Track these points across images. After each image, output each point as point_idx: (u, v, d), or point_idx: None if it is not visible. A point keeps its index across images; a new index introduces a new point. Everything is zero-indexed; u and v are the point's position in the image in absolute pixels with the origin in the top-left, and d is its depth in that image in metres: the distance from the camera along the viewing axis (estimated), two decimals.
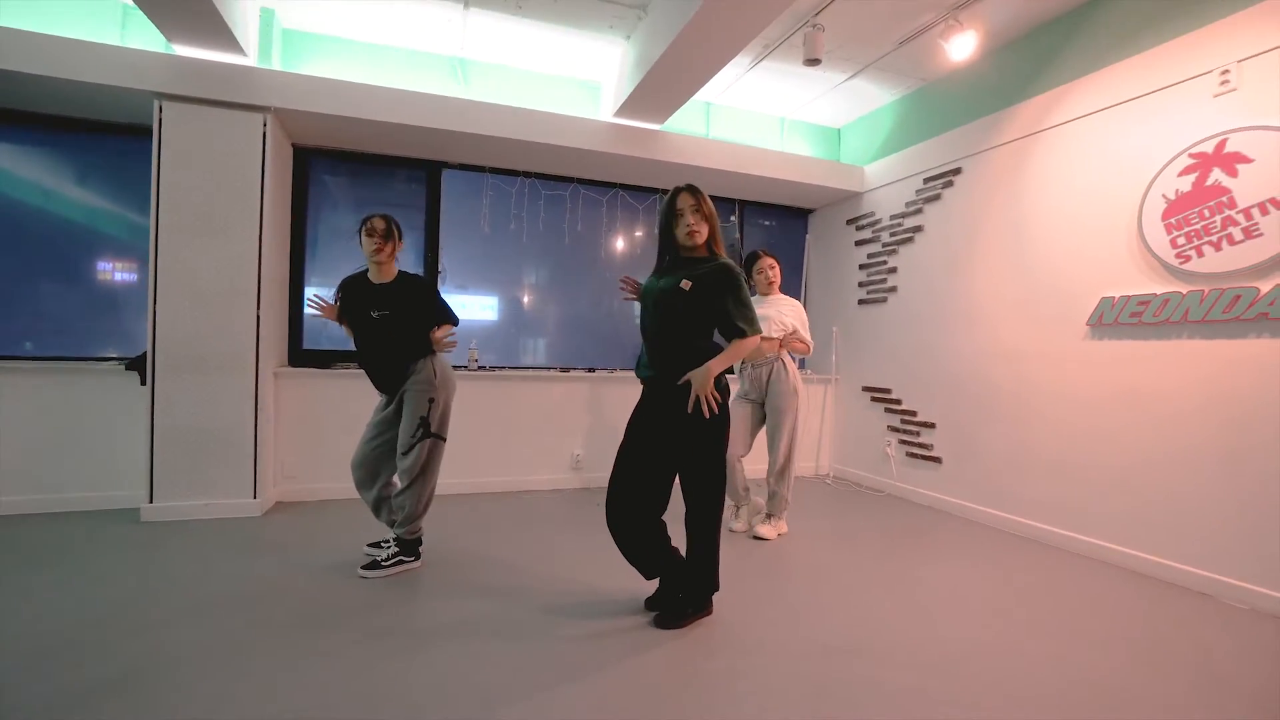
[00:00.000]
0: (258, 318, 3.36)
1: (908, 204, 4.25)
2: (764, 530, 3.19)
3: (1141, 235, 2.81)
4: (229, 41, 3.12)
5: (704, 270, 2.07)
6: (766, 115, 4.72)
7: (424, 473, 2.57)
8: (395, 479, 2.70)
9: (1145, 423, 2.82)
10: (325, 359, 3.89)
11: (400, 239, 2.63)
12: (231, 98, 3.26)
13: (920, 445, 4.06)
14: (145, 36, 3.29)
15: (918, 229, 4.17)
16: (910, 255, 4.24)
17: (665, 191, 4.74)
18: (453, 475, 3.97)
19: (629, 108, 3.77)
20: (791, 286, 5.20)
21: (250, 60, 3.32)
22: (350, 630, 2.06)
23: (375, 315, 2.55)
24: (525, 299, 4.52)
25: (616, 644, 2.01)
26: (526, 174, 4.35)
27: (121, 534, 2.99)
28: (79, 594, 2.27)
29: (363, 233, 2.56)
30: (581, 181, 4.50)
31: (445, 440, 2.63)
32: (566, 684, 1.78)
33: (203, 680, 1.74)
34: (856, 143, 4.82)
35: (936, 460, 3.93)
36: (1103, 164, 3.04)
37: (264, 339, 3.41)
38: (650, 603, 2.27)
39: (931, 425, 3.99)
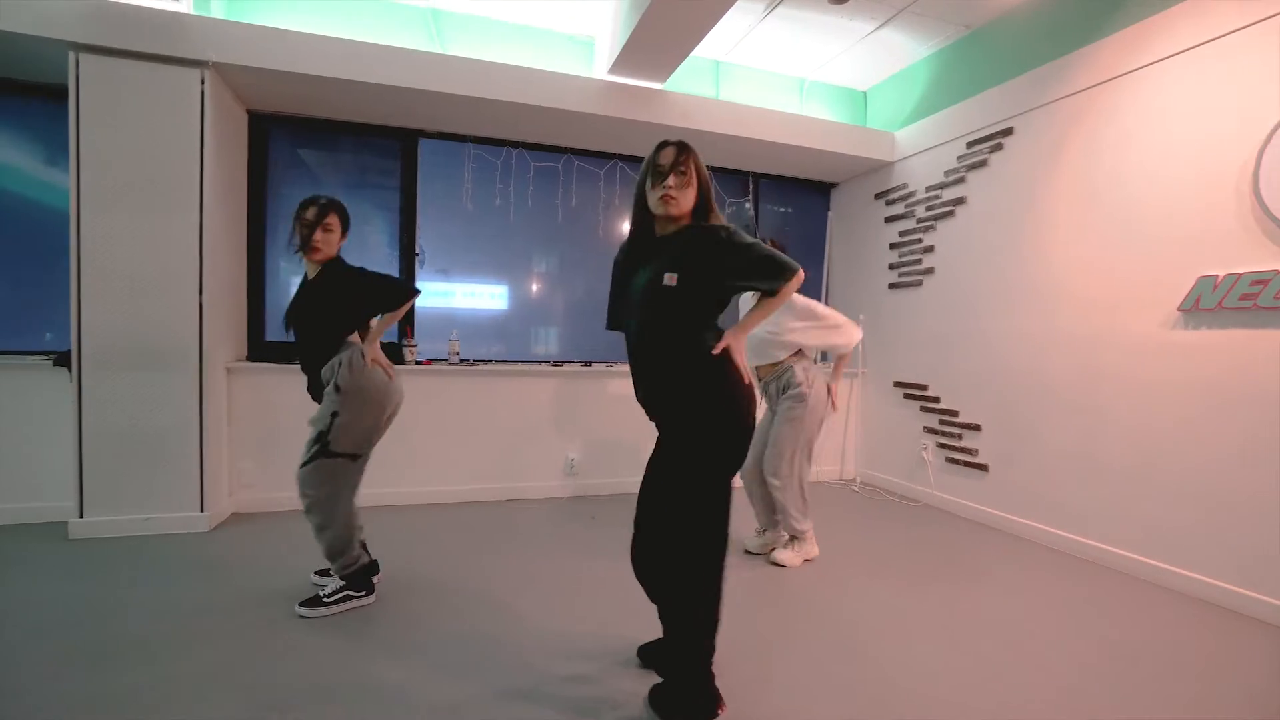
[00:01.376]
0: (200, 305, 2.94)
1: (947, 173, 3.71)
2: (782, 556, 2.71)
3: (1258, 198, 2.26)
4: None
5: (687, 248, 1.57)
6: (783, 76, 4.18)
7: (328, 501, 2.08)
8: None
9: (1257, 431, 2.29)
10: (290, 353, 3.45)
11: (342, 229, 2.18)
12: (161, 49, 2.80)
13: (962, 450, 3.54)
14: None
15: (959, 201, 3.62)
16: (950, 231, 3.70)
17: None
18: (431, 483, 3.54)
19: (625, 62, 3.26)
20: (812, 271, 4.68)
21: (183, 6, 2.87)
22: (253, 699, 1.62)
23: (288, 318, 2.20)
24: (514, 283, 4.04)
25: None
26: (514, 143, 3.87)
27: (42, 554, 2.59)
28: None
29: (294, 220, 2.14)
30: (576, 152, 4.00)
31: (357, 458, 2.15)
32: None
33: None
34: (885, 106, 4.27)
35: (982, 468, 3.42)
36: (1203, 111, 2.48)
37: (211, 330, 2.99)
38: (645, 655, 1.81)
39: (976, 427, 3.47)
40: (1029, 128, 3.23)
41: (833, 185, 4.71)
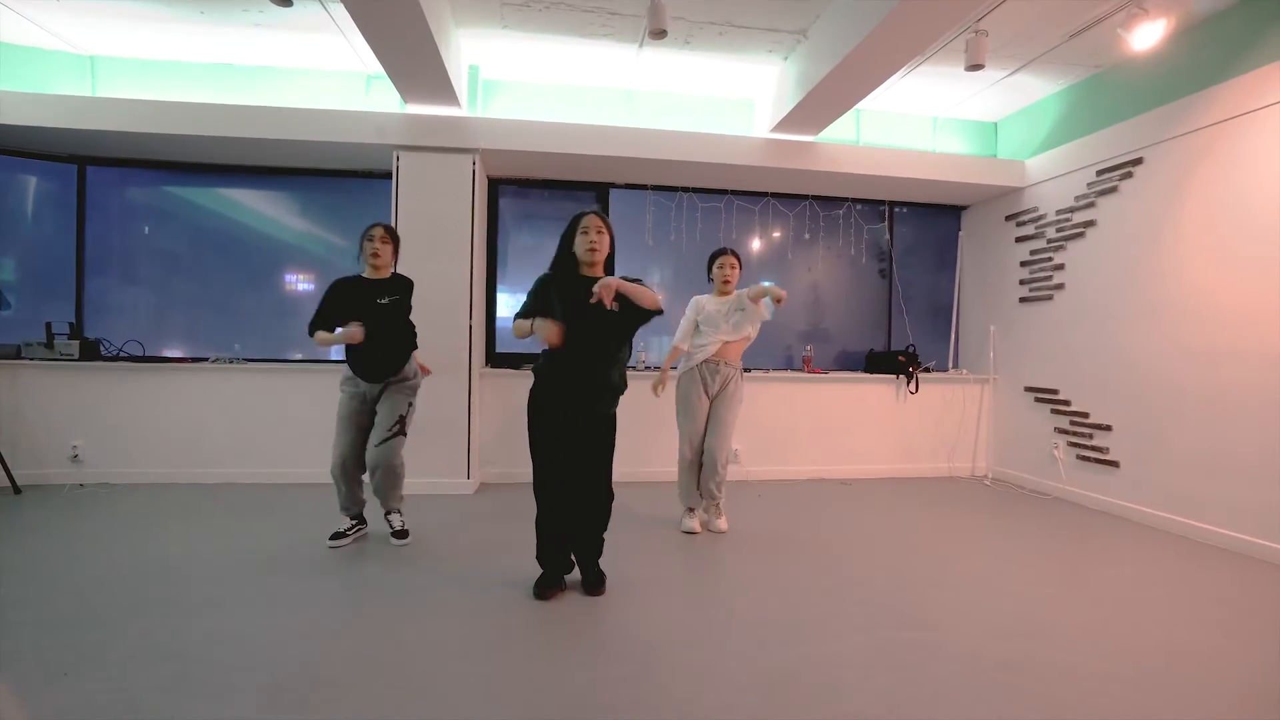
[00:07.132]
0: (469, 326, 4.00)
1: (1077, 198, 4.10)
2: (722, 523, 3.31)
3: None
4: (450, 96, 3.74)
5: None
6: (917, 116, 4.72)
7: (402, 465, 2.96)
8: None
9: None
10: (516, 360, 4.48)
11: (396, 247, 2.97)
12: (451, 143, 3.90)
13: (1093, 448, 3.92)
14: (383, 99, 4.03)
15: (1089, 224, 4.01)
16: (1081, 251, 4.09)
17: (815, 198, 4.92)
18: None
19: (787, 123, 3.99)
20: (943, 284, 5.17)
21: (463, 111, 3.95)
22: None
23: (383, 300, 2.82)
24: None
25: None
26: (685, 189, 4.72)
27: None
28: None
29: (363, 239, 2.87)
30: (735, 193, 4.78)
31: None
32: None
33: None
34: (1016, 136, 4.68)
35: (1113, 464, 3.79)
36: None
37: (474, 345, 4.05)
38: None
39: (1107, 427, 3.84)
40: (1160, 157, 3.59)
41: (963, 207, 5.16)
